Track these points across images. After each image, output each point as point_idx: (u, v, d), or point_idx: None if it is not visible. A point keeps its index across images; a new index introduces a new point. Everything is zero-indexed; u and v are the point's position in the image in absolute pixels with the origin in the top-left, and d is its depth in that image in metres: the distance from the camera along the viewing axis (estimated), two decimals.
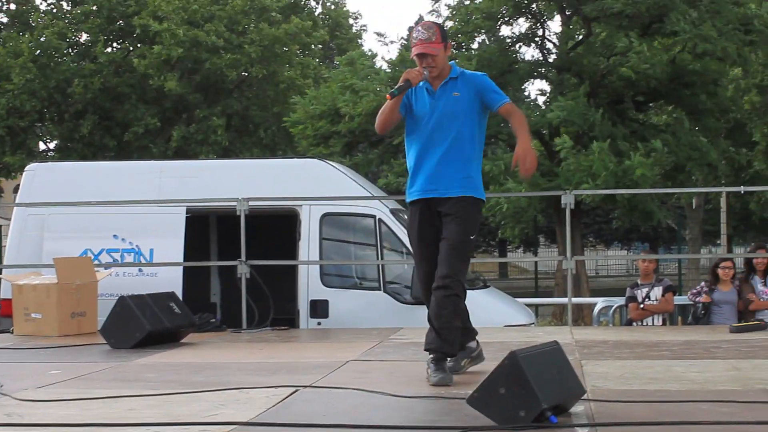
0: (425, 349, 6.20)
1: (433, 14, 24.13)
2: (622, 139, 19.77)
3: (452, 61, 6.50)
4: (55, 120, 29.42)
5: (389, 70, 22.62)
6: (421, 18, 48.59)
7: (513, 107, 6.40)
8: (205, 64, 27.56)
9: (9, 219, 12.02)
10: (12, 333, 10.05)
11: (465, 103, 6.29)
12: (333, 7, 35.96)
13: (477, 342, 6.73)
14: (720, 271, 11.13)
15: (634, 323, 11.31)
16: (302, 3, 32.69)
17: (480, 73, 6.61)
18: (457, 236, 6.17)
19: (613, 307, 14.16)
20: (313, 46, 31.53)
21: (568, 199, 10.31)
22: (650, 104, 23.52)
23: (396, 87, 6.25)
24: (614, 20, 20.68)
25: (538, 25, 22.96)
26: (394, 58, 23.52)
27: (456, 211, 6.21)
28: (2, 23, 30.30)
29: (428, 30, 6.28)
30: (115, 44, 30.39)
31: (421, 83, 6.33)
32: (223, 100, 29.06)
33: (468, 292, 11.22)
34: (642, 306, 11.22)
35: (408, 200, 6.49)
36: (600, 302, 14.84)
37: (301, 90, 26.92)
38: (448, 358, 6.24)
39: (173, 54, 26.77)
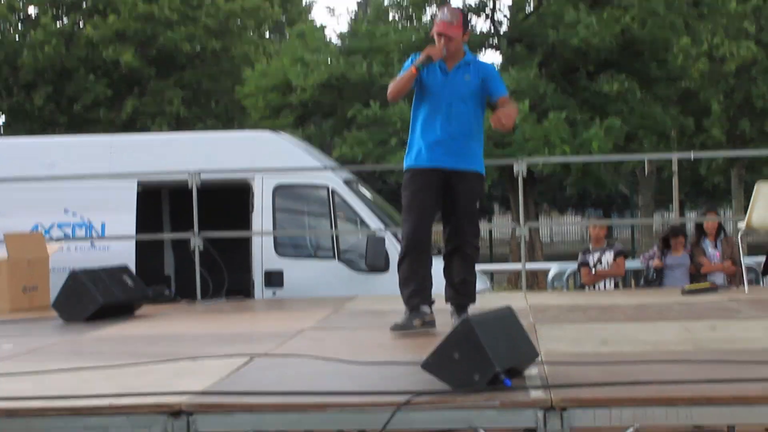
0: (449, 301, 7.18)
1: None
2: (574, 110, 19.85)
3: (466, 47, 7.03)
4: (2, 96, 29.00)
5: (339, 43, 22.55)
6: None
7: (510, 100, 7.03)
8: (159, 38, 27.23)
9: None
10: None
11: (474, 87, 6.86)
12: None
13: (431, 308, 6.94)
14: (672, 241, 11.25)
15: (587, 288, 11.41)
16: None
17: (490, 63, 7.38)
18: (471, 207, 7.01)
19: (567, 272, 14.26)
20: (267, 23, 31.19)
21: (520, 167, 10.35)
22: (601, 74, 23.63)
23: (420, 62, 6.73)
24: None
25: None
26: (344, 31, 23.49)
27: (469, 185, 6.95)
28: None
29: (452, 15, 6.84)
30: (64, 17, 29.93)
31: (436, 66, 6.86)
32: (176, 73, 28.77)
33: None
34: (594, 271, 11.31)
35: (413, 165, 6.95)
36: (554, 267, 14.95)
37: (255, 64, 26.75)
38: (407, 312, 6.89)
39: (130, 27, 26.44)
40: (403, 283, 6.98)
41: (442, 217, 7.13)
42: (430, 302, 6.96)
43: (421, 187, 6.88)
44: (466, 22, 6.93)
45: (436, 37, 6.82)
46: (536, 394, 4.45)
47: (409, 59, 6.94)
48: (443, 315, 7.06)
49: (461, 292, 7.10)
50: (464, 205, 6.95)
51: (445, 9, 6.93)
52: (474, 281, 7.17)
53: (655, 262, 11.26)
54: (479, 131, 7.02)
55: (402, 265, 6.99)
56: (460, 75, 6.86)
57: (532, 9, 22.69)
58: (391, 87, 6.91)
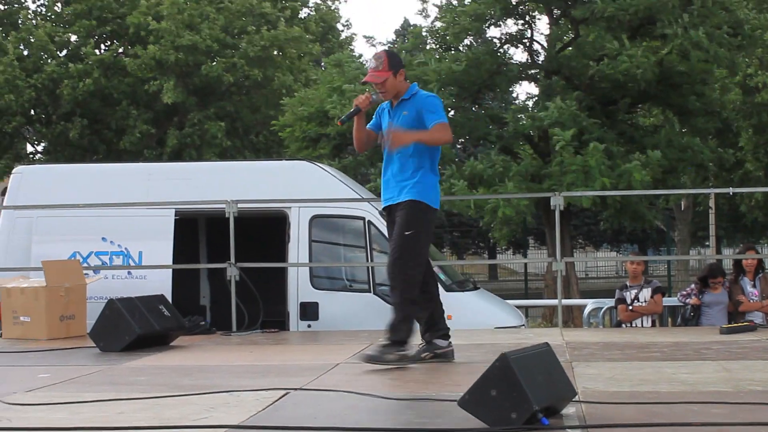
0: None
1: (422, 14, 24.08)
2: (612, 143, 19.75)
3: (413, 84, 7.27)
4: (43, 122, 29.29)
5: None
6: (406, 21, 48.70)
7: (443, 127, 7.03)
8: (201, 68, 27.37)
9: None
10: (0, 336, 10.00)
11: (411, 121, 7.03)
12: (325, 9, 35.82)
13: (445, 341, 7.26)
14: (711, 281, 11.14)
15: (624, 325, 11.32)
16: (300, 15, 32.46)
17: (430, 95, 7.33)
18: (399, 233, 6.99)
19: (603, 309, 14.17)
20: (308, 54, 31.29)
21: (557, 201, 10.30)
22: (639, 106, 23.53)
23: (345, 114, 7.25)
24: (603, 22, 20.66)
25: (526, 26, 22.92)
26: None
27: (399, 213, 7.05)
28: None
29: (377, 60, 7.15)
30: (103, 46, 30.25)
31: (385, 104, 7.24)
32: (215, 103, 28.90)
33: (458, 294, 11.30)
34: (631, 308, 11.23)
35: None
36: (590, 304, 14.84)
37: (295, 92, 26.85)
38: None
39: (170, 58, 26.62)
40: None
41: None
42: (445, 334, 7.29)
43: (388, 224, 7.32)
44: (392, 62, 7.12)
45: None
46: None
47: (376, 112, 7.37)
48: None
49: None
50: (396, 233, 7.03)
51: (371, 57, 7.31)
52: (395, 315, 7.03)
53: (693, 300, 11.15)
54: (421, 161, 7.06)
55: None
56: (399, 112, 7.12)
57: (569, 40, 22.62)
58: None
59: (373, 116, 7.41)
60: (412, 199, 7.00)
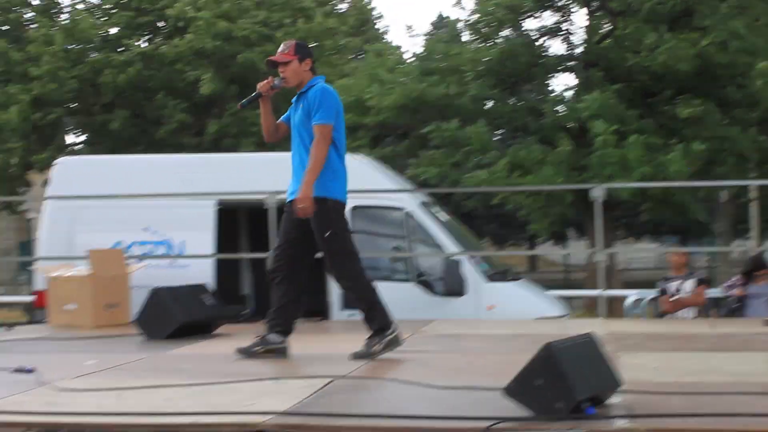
0: None
1: (458, 5, 24.04)
2: (652, 134, 19.63)
3: (319, 77, 7.17)
4: (84, 113, 29.47)
5: (416, 63, 22.58)
6: (441, 15, 48.54)
7: (320, 134, 6.87)
8: (238, 58, 27.41)
9: (38, 212, 12.08)
10: (47, 324, 10.11)
11: (303, 118, 6.96)
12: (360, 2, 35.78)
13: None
14: (755, 273, 11.05)
15: (666, 316, 11.25)
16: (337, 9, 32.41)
17: (322, 87, 7.02)
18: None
19: (645, 300, 14.08)
20: (344, 48, 31.21)
21: (597, 193, 10.26)
22: (678, 97, 23.36)
23: (246, 98, 7.20)
24: (641, 14, 20.54)
25: (564, 18, 22.82)
26: (419, 51, 23.49)
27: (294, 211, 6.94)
28: (29, 18, 30.30)
29: (285, 45, 7.12)
30: (144, 38, 30.38)
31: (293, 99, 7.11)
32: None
33: (500, 284, 11.28)
34: (674, 299, 11.16)
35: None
36: (632, 295, 14.76)
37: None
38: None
39: (207, 46, 26.70)
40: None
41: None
42: (283, 330, 7.09)
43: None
44: (300, 50, 7.06)
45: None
46: (620, 423, 4.40)
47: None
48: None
49: None
50: (317, 238, 7.00)
51: (282, 44, 7.21)
52: (362, 310, 7.13)
53: (738, 291, 11.07)
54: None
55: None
56: (298, 105, 7.07)
57: (607, 31, 22.49)
58: None
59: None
60: (315, 196, 6.85)
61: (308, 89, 7.00)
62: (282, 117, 7.25)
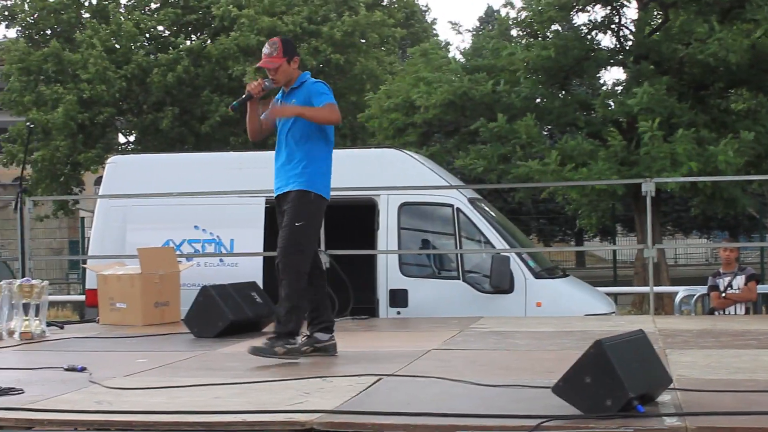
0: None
1: (506, 6, 23.92)
2: (703, 127, 19.42)
3: (305, 72, 7.28)
4: (133, 112, 29.74)
5: (462, 60, 22.51)
6: (490, 8, 48.40)
7: (330, 106, 7.02)
8: None
9: (90, 211, 12.22)
10: (98, 322, 10.22)
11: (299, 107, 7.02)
12: None
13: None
14: None
15: (716, 312, 11.15)
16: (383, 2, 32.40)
17: (318, 81, 7.23)
18: (288, 223, 6.99)
19: (695, 296, 13.96)
20: (391, 39, 31.16)
21: (648, 187, 10.19)
22: (730, 90, 23.09)
23: (237, 100, 7.20)
24: (693, 6, 20.32)
25: (614, 11, 22.63)
26: (466, 48, 23.44)
27: (286, 204, 7.07)
28: (82, 20, 30.61)
29: (271, 46, 7.13)
30: (192, 36, 30.59)
31: (279, 95, 7.22)
32: None
33: (548, 281, 11.25)
34: (724, 295, 11.06)
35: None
36: (681, 291, 14.63)
37: (379, 81, 26.81)
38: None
39: (251, 42, 26.82)
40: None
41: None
42: (327, 327, 7.20)
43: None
44: (288, 48, 7.13)
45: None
46: (671, 421, 4.37)
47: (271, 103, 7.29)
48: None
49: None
50: (285, 224, 7.02)
51: (266, 44, 7.24)
52: (282, 306, 7.01)
53: None
54: (309, 148, 7.10)
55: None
56: (289, 101, 7.12)
57: (658, 24, 22.26)
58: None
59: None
60: (300, 189, 7.00)
61: (300, 84, 7.13)
62: (262, 115, 7.27)
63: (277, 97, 7.31)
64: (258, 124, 7.25)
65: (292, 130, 7.07)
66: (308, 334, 7.08)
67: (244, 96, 7.15)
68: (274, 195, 7.27)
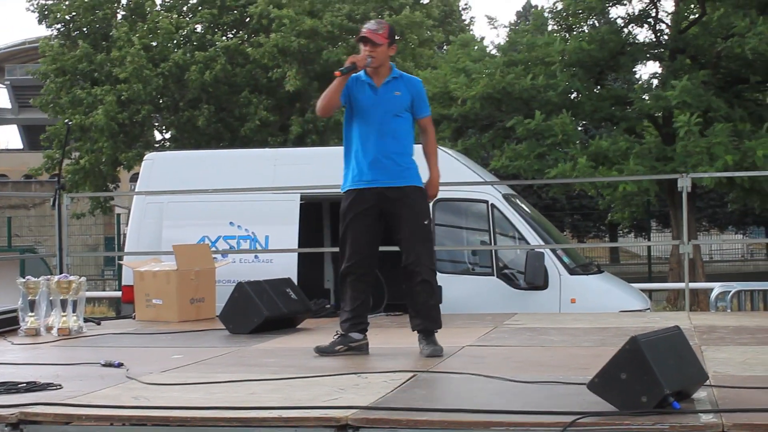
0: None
1: None
2: (740, 121, 19.28)
3: (393, 64, 7.09)
4: (170, 110, 29.90)
5: (499, 54, 22.45)
6: (528, 3, 48.22)
7: (431, 124, 7.16)
8: (322, 54, 27.48)
9: (126, 207, 12.32)
10: (134, 318, 10.30)
11: (405, 102, 6.96)
12: None
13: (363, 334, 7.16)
14: None
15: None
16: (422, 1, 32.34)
17: (417, 78, 7.26)
18: (417, 224, 6.89)
19: (731, 293, 13.85)
20: (429, 41, 31.04)
21: (684, 183, 10.12)
22: (767, 84, 22.89)
23: (345, 67, 6.87)
24: None
25: (651, 5, 22.50)
26: (503, 42, 23.36)
27: (410, 200, 6.89)
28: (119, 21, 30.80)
29: (378, 24, 7.02)
30: (230, 34, 30.68)
31: (364, 78, 6.97)
32: None
33: (582, 277, 11.21)
34: None
35: (352, 187, 7.03)
36: (717, 287, 14.54)
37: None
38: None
39: (292, 45, 26.82)
40: (342, 306, 7.16)
41: (396, 241, 7.02)
42: (362, 328, 7.08)
43: (361, 210, 6.95)
44: (392, 35, 6.99)
45: (361, 45, 6.95)
46: (707, 418, 4.34)
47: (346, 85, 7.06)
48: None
49: (425, 318, 7.01)
50: (410, 223, 6.89)
51: (372, 21, 7.17)
52: (437, 305, 7.09)
53: None
54: (410, 143, 7.06)
55: (342, 287, 7.13)
56: (390, 90, 6.95)
57: (695, 18, 22.10)
58: (320, 100, 7.08)
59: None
60: (418, 185, 6.98)
61: (400, 76, 7.03)
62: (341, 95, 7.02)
63: (357, 78, 7.00)
64: (338, 102, 7.01)
65: (404, 122, 6.99)
66: (343, 333, 7.04)
67: (350, 65, 6.87)
68: (376, 186, 6.90)
